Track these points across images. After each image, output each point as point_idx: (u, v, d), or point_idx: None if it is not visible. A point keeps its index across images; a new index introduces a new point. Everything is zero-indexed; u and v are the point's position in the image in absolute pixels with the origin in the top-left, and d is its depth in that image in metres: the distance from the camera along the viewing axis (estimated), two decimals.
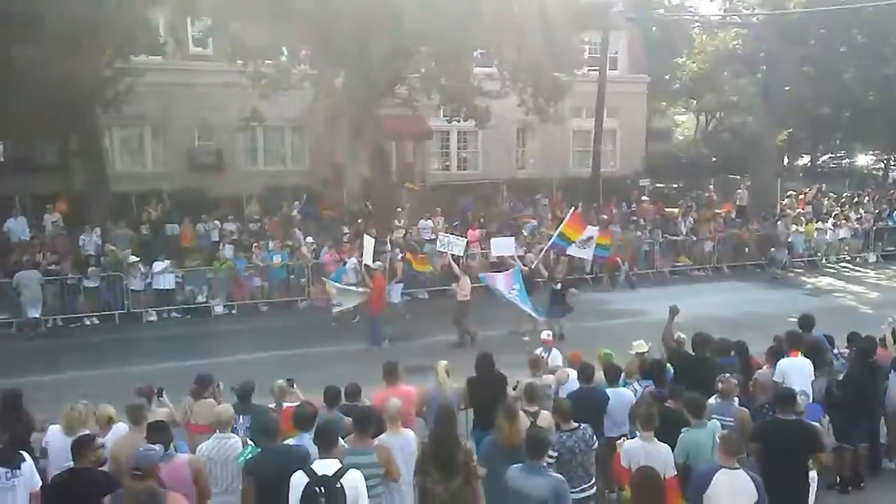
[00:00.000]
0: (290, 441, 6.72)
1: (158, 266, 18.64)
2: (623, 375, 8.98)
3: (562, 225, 17.67)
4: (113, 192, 22.75)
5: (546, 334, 11.47)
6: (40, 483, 6.51)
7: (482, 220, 23.88)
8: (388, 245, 19.36)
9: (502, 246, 18.19)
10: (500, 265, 18.16)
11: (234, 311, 19.25)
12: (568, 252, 17.88)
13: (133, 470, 5.84)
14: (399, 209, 23.48)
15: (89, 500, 6.04)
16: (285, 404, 8.18)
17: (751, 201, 28.09)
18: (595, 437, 7.27)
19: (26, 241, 20.13)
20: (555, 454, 6.86)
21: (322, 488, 5.76)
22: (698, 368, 9.02)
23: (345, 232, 21.36)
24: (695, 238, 24.15)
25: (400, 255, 19.26)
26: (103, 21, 18.78)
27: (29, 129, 21.04)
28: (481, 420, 8.34)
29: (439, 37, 20.98)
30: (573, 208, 19.68)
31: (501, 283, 15.93)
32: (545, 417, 7.61)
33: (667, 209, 26.80)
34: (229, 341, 16.23)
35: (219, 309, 19.17)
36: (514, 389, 8.79)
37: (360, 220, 22.44)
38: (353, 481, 5.88)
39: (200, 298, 19.19)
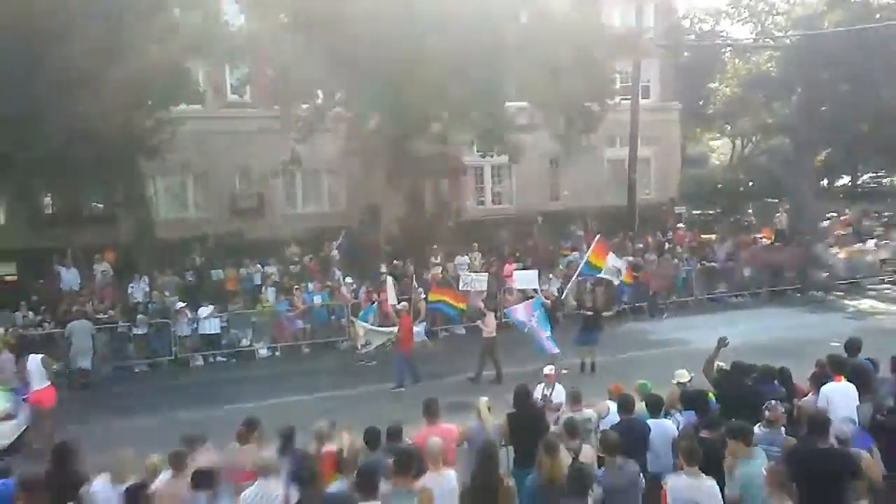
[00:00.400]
0: (332, 487, 6.73)
1: (204, 311, 19.08)
2: (664, 406, 8.88)
3: (588, 253, 17.78)
4: (158, 239, 23.37)
5: (549, 369, 11.14)
6: None
7: (517, 255, 23.95)
8: (415, 283, 19.54)
9: (526, 279, 18.27)
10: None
11: (277, 353, 19.54)
12: (602, 276, 17.95)
13: None
14: (435, 246, 23.67)
15: None
16: (325, 448, 8.15)
17: (790, 224, 27.72)
18: (641, 474, 7.18)
19: (76, 291, 20.74)
20: (599, 490, 6.82)
21: None
22: (742, 397, 8.86)
23: (381, 271, 21.60)
24: (733, 264, 23.89)
25: (423, 295, 19.30)
26: (146, 73, 19.53)
27: (76, 182, 21.83)
28: (522, 457, 8.33)
29: (470, 74, 21.38)
30: (597, 236, 19.69)
31: (522, 313, 16.02)
32: (587, 453, 7.59)
33: (703, 236, 26.59)
34: (273, 384, 16.49)
35: (263, 352, 19.48)
36: (554, 425, 8.80)
37: (394, 261, 22.63)
38: None
39: (245, 342, 19.53)
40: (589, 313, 16.53)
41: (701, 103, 39.27)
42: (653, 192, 32.76)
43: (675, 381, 9.85)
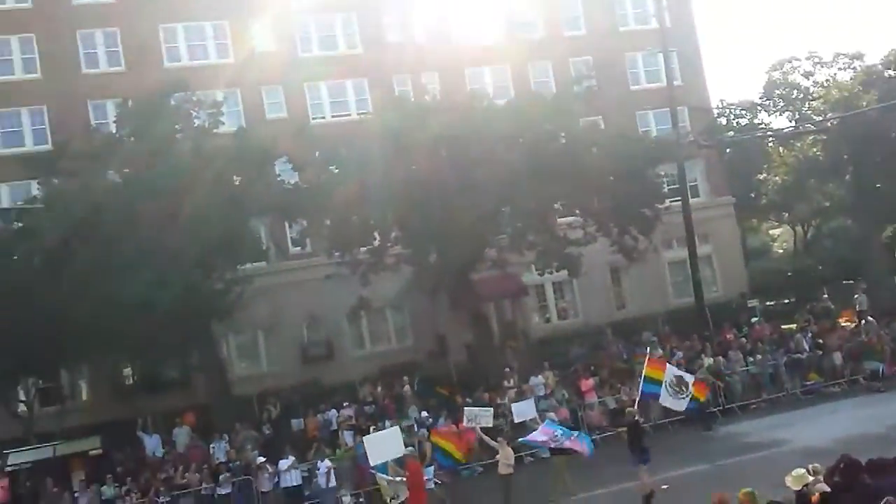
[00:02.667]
0: None
1: (284, 464, 18.94)
2: None
3: (644, 370, 16.72)
4: (234, 397, 23.68)
5: None
6: None
7: (592, 368, 23.47)
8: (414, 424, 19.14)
9: (523, 411, 17.68)
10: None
11: (361, 500, 19.07)
12: (661, 401, 16.67)
13: None
14: (507, 369, 23.40)
15: None
16: None
17: (871, 304, 26.71)
18: None
19: (159, 457, 20.96)
20: None
21: None
22: (856, 496, 8.32)
23: (459, 401, 21.31)
24: (821, 353, 22.92)
25: (428, 437, 18.69)
26: (212, 238, 20.52)
27: (153, 351, 22.54)
28: None
29: (519, 197, 21.89)
30: (647, 351, 18.59)
31: (541, 436, 15.53)
32: None
33: (783, 327, 25.74)
34: None
35: (347, 500, 19.03)
36: None
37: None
38: None
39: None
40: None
41: (753, 195, 39.03)
42: (720, 288, 32.15)
43: (789, 485, 9.00)
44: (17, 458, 20.69)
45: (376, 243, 23.49)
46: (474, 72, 30.51)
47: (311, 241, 25.06)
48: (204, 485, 18.81)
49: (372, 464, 15.39)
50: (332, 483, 18.25)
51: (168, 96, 22.54)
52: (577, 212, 23.83)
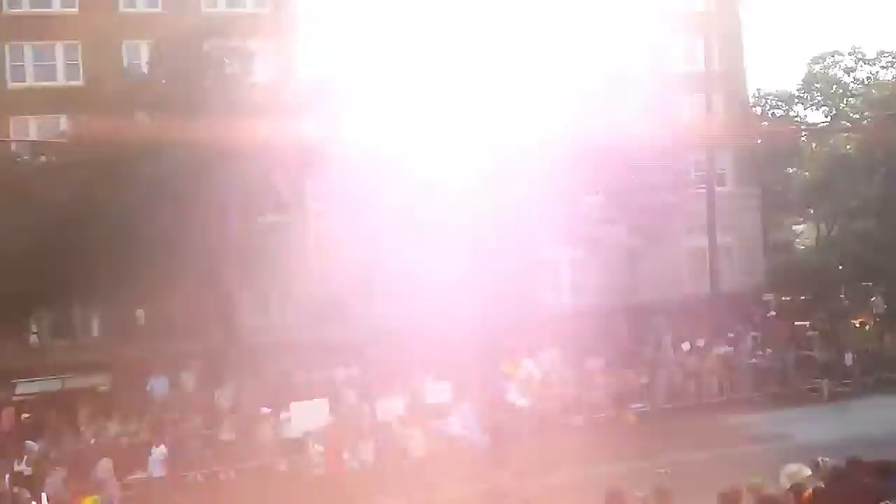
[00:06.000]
0: None
1: (286, 416, 19.09)
2: None
3: None
4: (243, 346, 23.85)
5: None
6: None
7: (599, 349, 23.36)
8: None
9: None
10: None
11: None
12: None
13: None
14: (513, 342, 23.28)
15: None
16: None
17: (888, 308, 26.38)
18: None
19: (165, 400, 21.25)
20: None
21: None
22: (857, 496, 8.23)
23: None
24: (833, 352, 22.71)
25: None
26: (234, 186, 20.55)
27: (167, 294, 22.73)
28: None
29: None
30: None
31: None
32: None
33: (797, 323, 25.50)
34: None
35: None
36: None
37: None
38: None
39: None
40: None
41: (780, 189, 38.48)
42: (737, 280, 31.79)
43: (784, 479, 8.98)
44: (26, 388, 21.09)
45: None
46: None
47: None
48: (208, 430, 19.05)
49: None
50: None
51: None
52: (600, 190, 23.58)
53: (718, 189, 28.71)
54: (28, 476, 16.46)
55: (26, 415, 20.42)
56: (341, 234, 23.79)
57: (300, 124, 23.20)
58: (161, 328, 25.38)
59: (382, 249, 23.83)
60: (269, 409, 19.22)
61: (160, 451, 17.51)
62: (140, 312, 26.47)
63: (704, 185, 27.94)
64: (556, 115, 21.31)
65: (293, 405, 17.16)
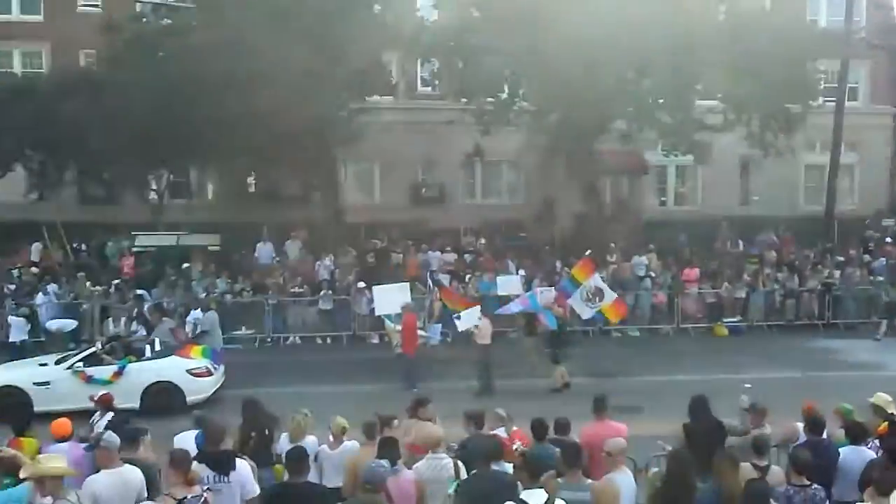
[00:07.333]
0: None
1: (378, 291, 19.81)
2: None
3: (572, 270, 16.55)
4: (346, 222, 24.67)
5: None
6: (257, 491, 6.91)
7: (701, 259, 22.93)
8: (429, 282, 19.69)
9: (508, 285, 18.21)
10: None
11: (449, 339, 19.86)
12: (569, 301, 15.87)
13: (364, 484, 6.29)
14: (612, 244, 23.17)
15: None
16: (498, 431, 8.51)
17: None
18: (828, 501, 6.72)
19: (271, 265, 22.39)
20: None
21: None
22: None
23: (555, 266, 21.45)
24: None
25: (438, 295, 18.74)
26: (344, 65, 20.70)
27: (276, 164, 23.56)
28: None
29: (658, 71, 20.75)
30: (588, 252, 17.03)
31: (517, 306, 16.14)
32: (776, 473, 7.14)
33: None
34: (441, 369, 16.63)
35: (435, 338, 19.86)
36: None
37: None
38: None
39: (419, 325, 20.06)
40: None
41: None
42: (856, 202, 30.16)
43: (872, 404, 8.77)
44: (145, 240, 22.62)
45: (504, 96, 23.02)
46: None
47: (439, 83, 24.89)
48: (310, 297, 20.11)
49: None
50: None
51: None
52: (719, 96, 22.39)
53: (848, 104, 26.90)
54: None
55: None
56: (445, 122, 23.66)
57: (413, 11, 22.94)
58: (270, 197, 26.49)
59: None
60: (364, 285, 19.97)
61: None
62: (251, 179, 27.65)
63: (834, 99, 26.23)
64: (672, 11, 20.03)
65: (375, 289, 17.77)
